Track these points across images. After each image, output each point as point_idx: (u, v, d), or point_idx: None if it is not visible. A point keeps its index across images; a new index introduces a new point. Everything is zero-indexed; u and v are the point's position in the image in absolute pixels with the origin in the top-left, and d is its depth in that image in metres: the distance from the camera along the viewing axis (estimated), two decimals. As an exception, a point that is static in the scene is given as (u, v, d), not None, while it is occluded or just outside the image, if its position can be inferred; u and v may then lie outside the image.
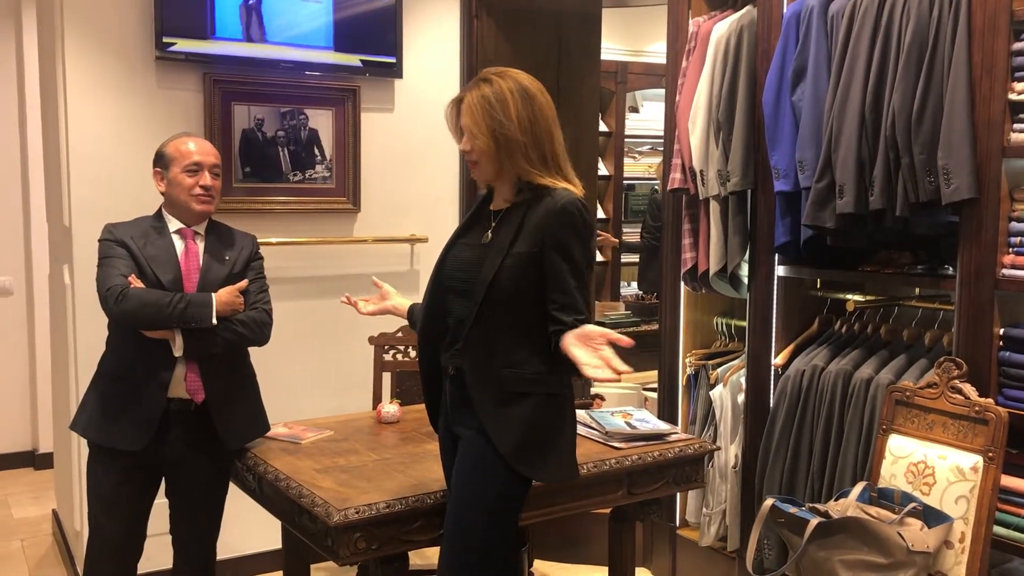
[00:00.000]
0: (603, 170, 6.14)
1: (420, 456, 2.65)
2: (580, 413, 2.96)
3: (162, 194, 2.70)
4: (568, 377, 2.20)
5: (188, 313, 2.53)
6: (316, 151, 3.80)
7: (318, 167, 3.81)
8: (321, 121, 3.80)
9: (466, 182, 4.24)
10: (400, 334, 3.52)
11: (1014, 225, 2.52)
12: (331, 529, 2.20)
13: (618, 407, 3.15)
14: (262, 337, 2.71)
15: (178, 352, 2.56)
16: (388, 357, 3.52)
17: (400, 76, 3.93)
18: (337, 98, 3.81)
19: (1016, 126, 2.49)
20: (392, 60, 3.87)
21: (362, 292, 4.03)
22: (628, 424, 2.82)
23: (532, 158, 2.15)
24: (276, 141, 3.71)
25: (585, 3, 4.47)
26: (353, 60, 3.80)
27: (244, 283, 2.68)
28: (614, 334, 1.95)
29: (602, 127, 6.00)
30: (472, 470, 2.17)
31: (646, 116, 6.57)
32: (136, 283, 2.55)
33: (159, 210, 2.73)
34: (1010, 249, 2.52)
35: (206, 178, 2.66)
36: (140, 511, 2.70)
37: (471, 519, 2.16)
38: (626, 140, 6.38)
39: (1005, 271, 2.51)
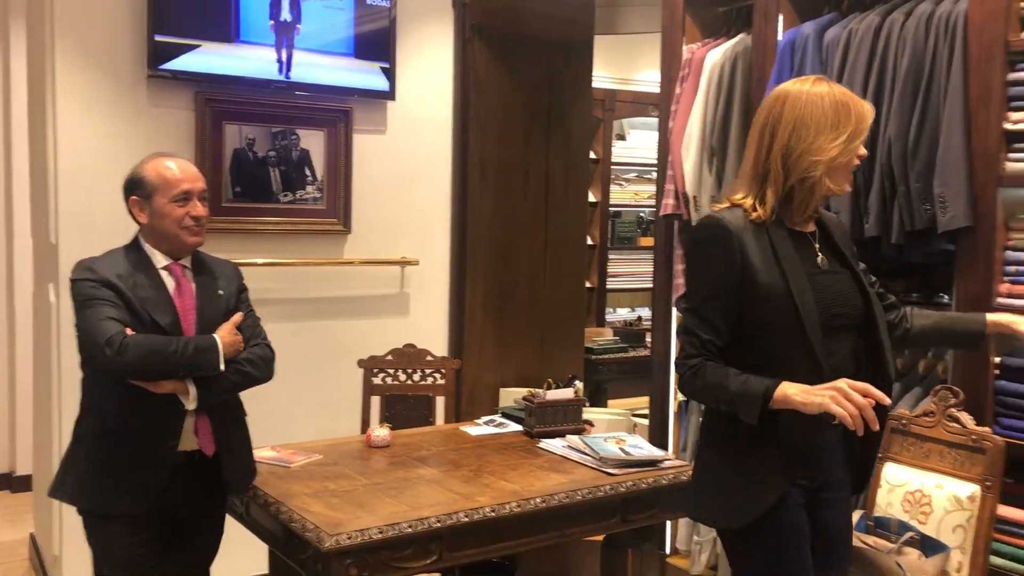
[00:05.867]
0: (590, 197, 6.14)
1: (412, 481, 2.61)
2: (573, 438, 2.94)
3: (142, 225, 2.41)
4: None
5: (195, 360, 2.28)
6: (307, 172, 3.78)
7: (309, 188, 3.79)
8: (313, 142, 3.78)
9: (458, 205, 4.22)
10: (390, 357, 3.49)
11: (1009, 254, 2.52)
12: (322, 555, 2.15)
13: (609, 433, 3.12)
14: (269, 374, 2.47)
15: (192, 405, 2.31)
16: (377, 380, 3.48)
17: (393, 98, 3.92)
18: (329, 119, 3.80)
19: (1011, 155, 2.51)
20: (389, 68, 3.88)
21: (350, 315, 4.03)
22: (622, 450, 2.79)
23: None
24: (267, 161, 3.69)
25: (577, 31, 4.49)
26: (374, 67, 3.84)
27: (239, 317, 2.44)
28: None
29: (590, 154, 6.01)
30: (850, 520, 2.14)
31: (632, 144, 6.59)
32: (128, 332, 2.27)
33: (136, 242, 2.43)
34: (1006, 278, 2.52)
35: (197, 207, 2.39)
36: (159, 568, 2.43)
37: None
38: (613, 167, 6.40)
39: (1001, 299, 2.51)
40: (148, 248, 2.40)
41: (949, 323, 2.20)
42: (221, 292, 2.46)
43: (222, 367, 2.32)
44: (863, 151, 1.95)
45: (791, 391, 1.81)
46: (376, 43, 3.84)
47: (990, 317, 2.14)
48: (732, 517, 1.98)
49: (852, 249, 2.10)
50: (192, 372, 2.30)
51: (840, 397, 1.75)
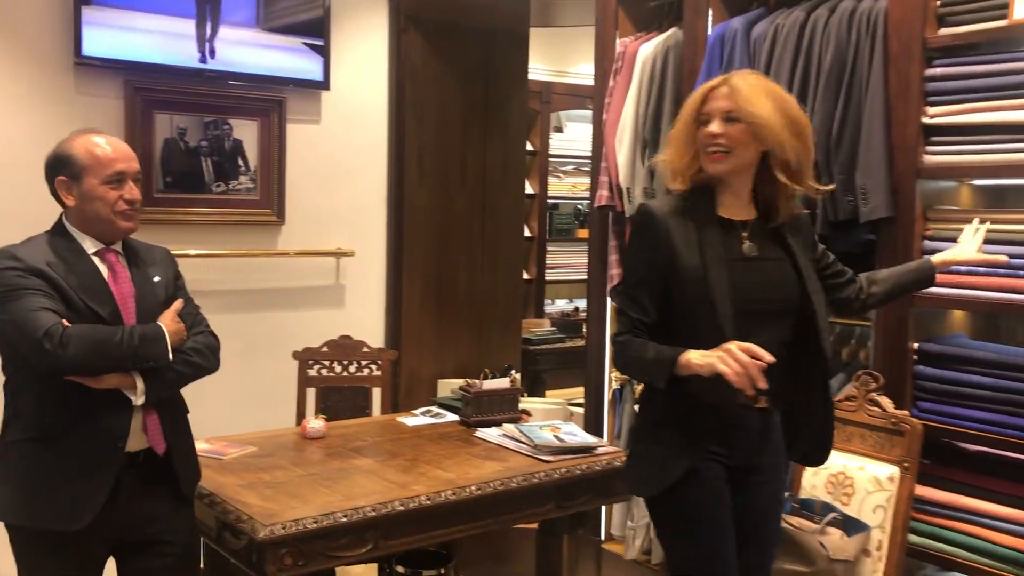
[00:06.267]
0: (528, 189, 6.18)
1: (347, 472, 2.61)
2: (509, 427, 2.97)
3: (68, 208, 2.18)
4: None
5: (143, 350, 2.08)
6: (240, 162, 3.74)
7: (242, 178, 3.75)
8: (246, 131, 3.74)
9: (394, 196, 4.22)
10: (325, 349, 3.48)
11: (927, 244, 2.62)
12: (257, 545, 2.15)
13: (545, 421, 3.16)
14: (216, 364, 2.29)
15: (140, 400, 2.11)
16: (312, 372, 3.46)
17: (327, 88, 3.90)
18: (262, 108, 3.76)
19: (929, 149, 2.60)
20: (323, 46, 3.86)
21: (285, 306, 4.00)
22: (557, 438, 2.82)
23: (787, 156, 1.99)
24: (199, 151, 3.64)
25: (513, 22, 4.51)
26: (295, 43, 3.77)
27: (180, 304, 2.24)
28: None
29: (527, 146, 6.05)
30: (781, 496, 2.21)
31: (570, 136, 6.64)
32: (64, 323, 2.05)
33: (60, 226, 2.19)
34: (923, 267, 2.62)
35: (132, 190, 2.17)
36: None
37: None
38: (550, 159, 6.44)
39: (920, 288, 2.61)
40: (76, 233, 2.17)
41: (900, 284, 2.30)
42: (158, 278, 2.26)
43: (171, 357, 2.14)
44: (708, 129, 1.99)
45: (692, 355, 1.92)
46: (308, 27, 3.82)
47: (935, 259, 2.30)
48: (647, 486, 2.12)
49: (808, 237, 2.15)
50: (140, 364, 2.10)
51: (727, 357, 1.86)
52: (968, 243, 2.34)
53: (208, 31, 3.56)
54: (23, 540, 2.14)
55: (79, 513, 2.08)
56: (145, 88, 3.49)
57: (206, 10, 3.55)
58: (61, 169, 2.15)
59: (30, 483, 2.10)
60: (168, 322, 2.17)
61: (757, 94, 1.98)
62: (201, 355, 2.24)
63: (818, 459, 2.20)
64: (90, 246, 2.17)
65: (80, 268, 2.13)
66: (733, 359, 1.85)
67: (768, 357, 1.85)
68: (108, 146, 2.16)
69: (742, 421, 2.06)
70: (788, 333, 2.06)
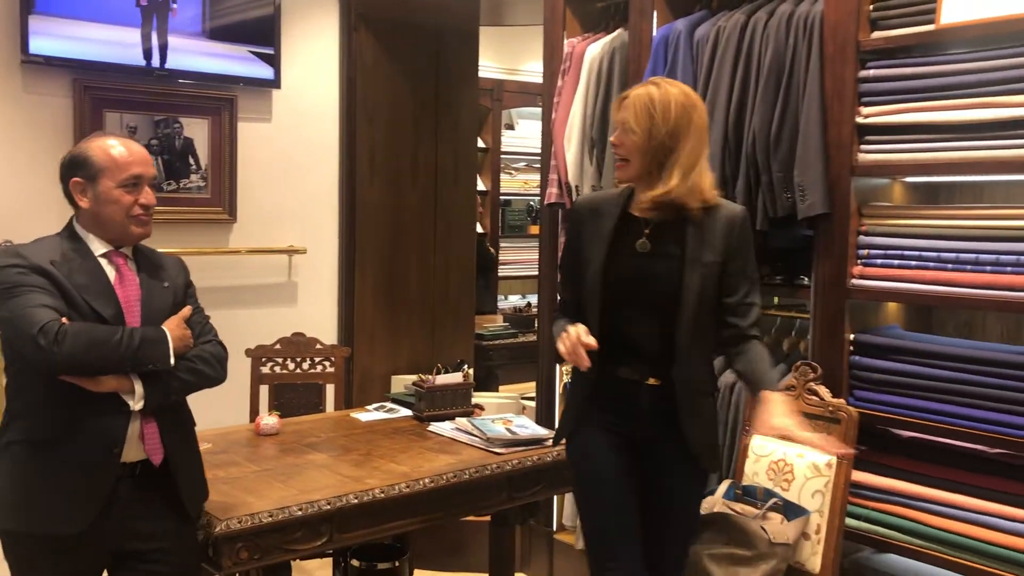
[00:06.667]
0: (480, 185, 6.23)
1: (301, 467, 2.64)
2: (461, 421, 3.03)
3: (81, 210, 2.14)
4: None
5: (143, 352, 2.04)
6: (191, 160, 3.74)
7: (193, 177, 3.75)
8: (196, 130, 3.74)
9: (346, 193, 4.25)
10: (278, 346, 3.50)
11: (862, 239, 2.72)
12: (213, 539, 2.18)
13: (498, 415, 3.22)
14: (223, 374, 2.25)
15: (138, 404, 2.06)
16: (266, 369, 3.48)
17: (278, 87, 3.92)
18: (213, 107, 3.77)
19: (863, 147, 2.70)
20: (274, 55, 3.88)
21: (237, 304, 4.00)
22: (509, 430, 2.89)
23: (670, 163, 2.17)
24: (149, 150, 3.61)
25: (463, 20, 4.56)
26: (241, 51, 3.78)
27: (188, 310, 2.20)
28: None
29: (479, 143, 6.10)
30: (688, 479, 2.33)
31: (521, 133, 6.72)
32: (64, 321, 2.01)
33: (70, 228, 2.16)
34: (859, 261, 2.72)
35: (148, 195, 2.14)
36: None
37: (694, 523, 2.41)
38: (502, 156, 6.50)
39: (855, 281, 2.71)
40: (85, 235, 2.15)
41: (744, 376, 2.32)
42: (167, 283, 2.22)
43: (172, 362, 2.09)
44: (611, 138, 2.27)
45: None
46: (260, 30, 3.83)
47: (765, 394, 2.22)
48: (556, 439, 2.48)
49: (722, 239, 2.22)
50: (139, 367, 2.06)
51: (565, 338, 2.16)
52: (789, 419, 2.18)
53: (155, 40, 3.55)
54: (16, 544, 2.11)
55: (72, 518, 2.04)
56: (94, 87, 3.48)
57: (152, 19, 3.55)
58: (76, 170, 2.12)
59: (23, 486, 2.06)
60: (172, 327, 2.13)
61: (632, 110, 2.17)
62: (207, 363, 2.20)
63: (698, 455, 2.29)
64: (98, 247, 2.15)
65: (85, 268, 2.10)
66: (567, 340, 2.14)
67: (589, 342, 2.12)
68: (126, 149, 2.14)
69: (629, 394, 2.28)
70: (668, 322, 2.22)
